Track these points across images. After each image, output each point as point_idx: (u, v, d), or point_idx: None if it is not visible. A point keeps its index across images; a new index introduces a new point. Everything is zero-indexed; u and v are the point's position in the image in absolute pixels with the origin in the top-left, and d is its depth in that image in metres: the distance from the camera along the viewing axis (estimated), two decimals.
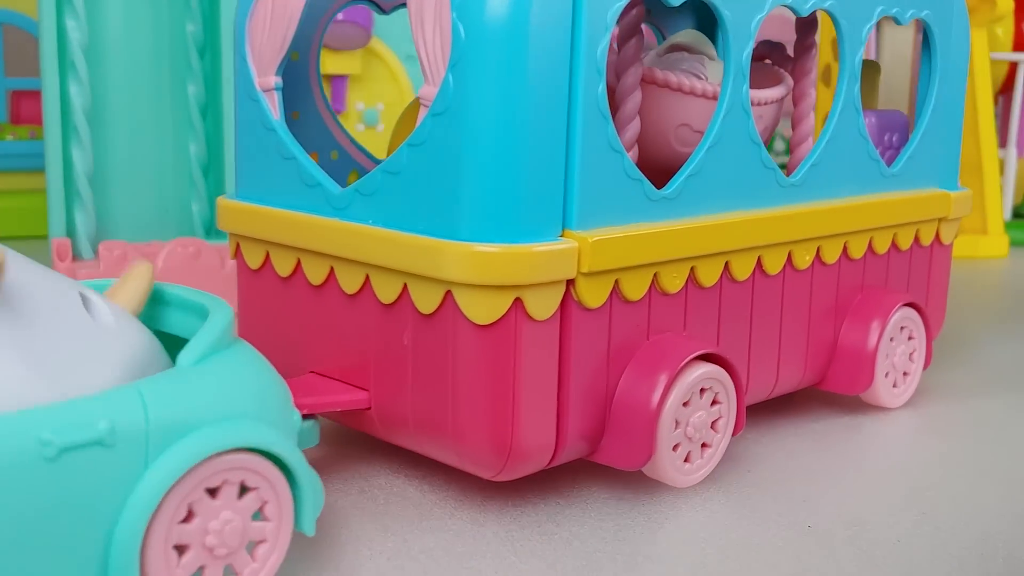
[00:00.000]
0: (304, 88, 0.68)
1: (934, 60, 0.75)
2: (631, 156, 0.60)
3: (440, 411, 0.53)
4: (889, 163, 0.74)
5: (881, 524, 0.57)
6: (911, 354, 0.75)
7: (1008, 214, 1.58)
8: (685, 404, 0.57)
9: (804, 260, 0.67)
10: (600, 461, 0.57)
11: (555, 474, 0.61)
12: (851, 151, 0.69)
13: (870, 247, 0.72)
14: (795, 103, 0.70)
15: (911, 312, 0.74)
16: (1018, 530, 0.57)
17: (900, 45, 2.16)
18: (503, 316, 0.51)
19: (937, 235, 0.78)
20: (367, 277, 0.55)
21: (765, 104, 0.67)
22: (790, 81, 0.70)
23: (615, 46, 0.64)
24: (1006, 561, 0.54)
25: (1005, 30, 1.68)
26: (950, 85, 0.76)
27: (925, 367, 0.76)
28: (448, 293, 0.51)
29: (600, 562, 0.52)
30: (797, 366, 0.69)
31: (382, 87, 1.26)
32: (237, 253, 0.64)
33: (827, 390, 0.73)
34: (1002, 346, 0.96)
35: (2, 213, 1.42)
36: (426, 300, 0.52)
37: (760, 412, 0.74)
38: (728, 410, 0.60)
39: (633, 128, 0.61)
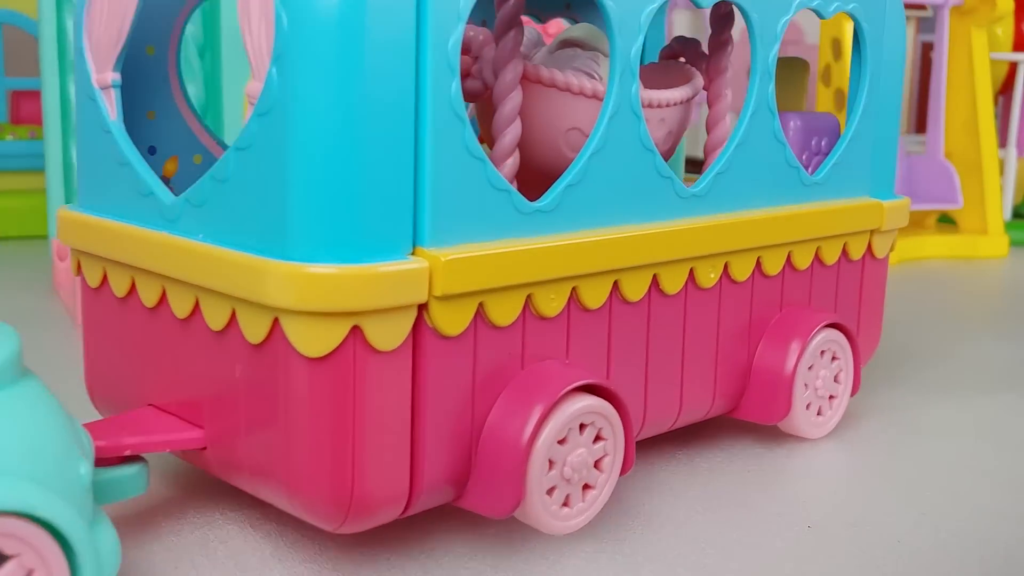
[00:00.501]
0: (161, 85, 0.62)
1: (864, 58, 0.69)
2: (510, 163, 0.54)
3: (273, 455, 0.47)
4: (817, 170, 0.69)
5: (881, 524, 0.57)
6: (836, 378, 0.69)
7: (1008, 214, 1.56)
8: (561, 441, 0.51)
9: (709, 278, 0.61)
10: (465, 507, 0.51)
11: None
12: (765, 158, 0.63)
13: (789, 262, 0.66)
14: (709, 105, 0.64)
15: (835, 333, 0.68)
16: (1018, 531, 0.57)
17: None
18: (338, 347, 0.45)
19: (869, 248, 0.72)
20: (196, 300, 0.49)
21: (666, 106, 0.60)
22: (699, 81, 0.64)
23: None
24: (1006, 562, 0.53)
25: (1005, 30, 1.67)
26: (883, 85, 0.70)
27: (854, 392, 0.70)
28: (276, 321, 0.45)
29: (600, 563, 0.52)
30: (704, 394, 0.63)
31: None
32: (79, 270, 0.58)
33: (742, 419, 0.67)
34: (1001, 346, 0.97)
35: (2, 213, 1.42)
36: (254, 328, 0.46)
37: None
38: (614, 447, 0.54)
39: (512, 132, 0.54)
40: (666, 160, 0.62)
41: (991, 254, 1.46)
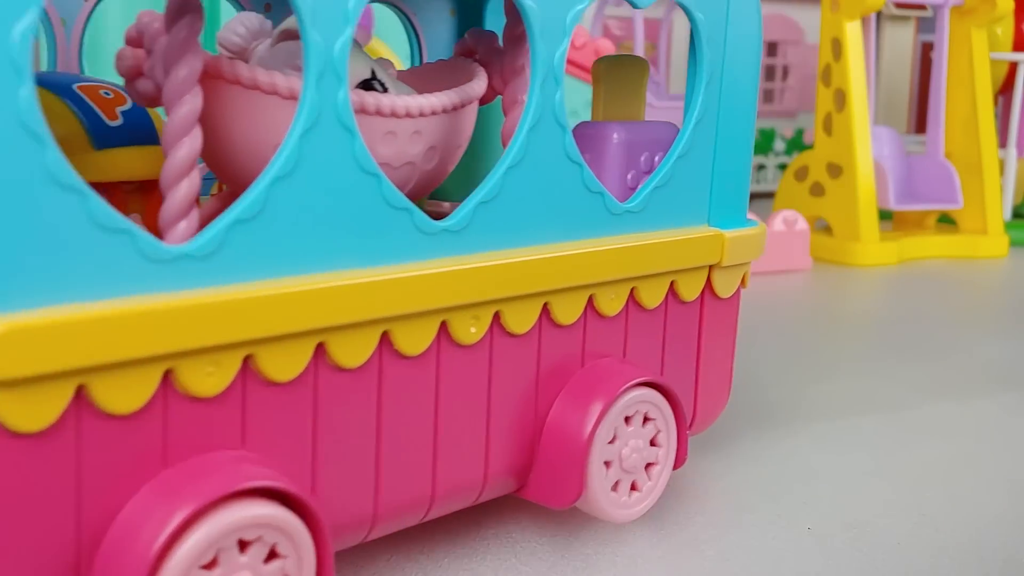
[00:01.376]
0: None
1: (698, 57, 0.56)
2: (184, 187, 0.42)
3: None
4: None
5: (881, 526, 0.57)
6: (655, 440, 0.55)
7: (1008, 214, 1.56)
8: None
9: (468, 332, 0.48)
10: None
11: None
12: (552, 182, 0.50)
13: (591, 308, 0.54)
14: (504, 112, 0.54)
15: (651, 393, 0.54)
16: (1017, 532, 0.57)
17: (900, 45, 2.12)
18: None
19: (708, 287, 0.60)
20: None
21: (417, 116, 0.48)
22: (477, 85, 0.52)
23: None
24: (1005, 563, 0.53)
25: (1005, 30, 1.67)
26: (728, 89, 0.58)
27: (677, 464, 0.56)
28: None
29: (600, 565, 0.52)
30: (470, 476, 0.50)
31: None
32: None
33: (530, 500, 0.54)
34: (1001, 346, 0.97)
35: None
36: None
37: (759, 411, 0.73)
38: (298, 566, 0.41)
39: (187, 147, 0.42)
40: (436, 183, 0.51)
41: (991, 254, 1.46)
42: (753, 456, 0.67)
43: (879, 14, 1.88)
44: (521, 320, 0.50)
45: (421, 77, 0.56)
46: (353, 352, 0.44)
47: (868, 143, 1.40)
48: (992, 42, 1.60)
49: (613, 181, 0.57)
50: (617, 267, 0.54)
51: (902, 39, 2.11)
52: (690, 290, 0.59)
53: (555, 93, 0.48)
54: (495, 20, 0.69)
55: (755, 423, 0.73)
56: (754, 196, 1.99)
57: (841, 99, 1.41)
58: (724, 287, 0.61)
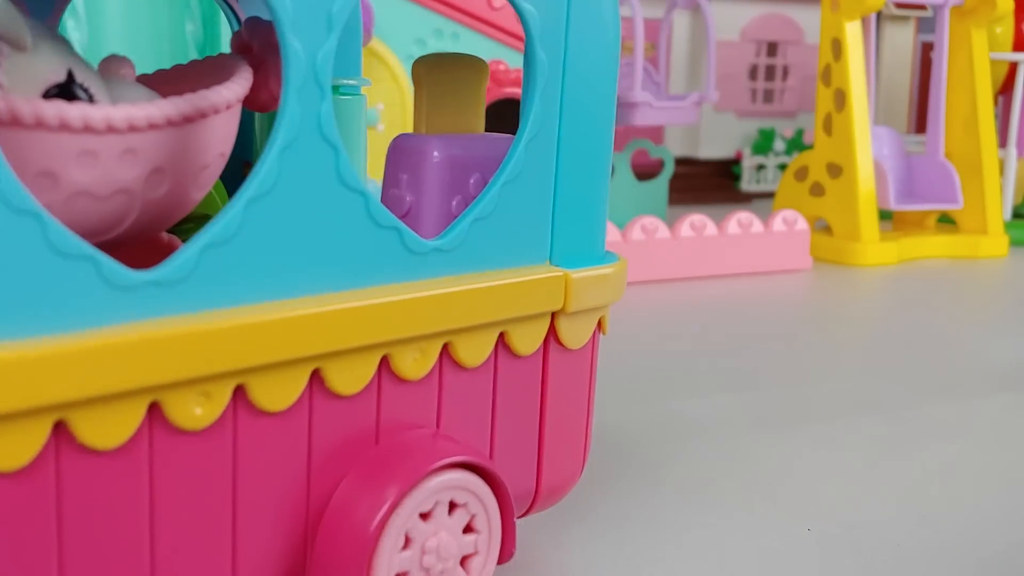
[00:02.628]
0: None
1: (533, 61, 0.46)
2: None
3: None
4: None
5: (881, 526, 0.57)
6: (471, 524, 0.45)
7: (1008, 214, 1.56)
8: None
9: (193, 415, 0.37)
10: None
11: None
12: (317, 216, 0.40)
13: (386, 371, 0.43)
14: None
15: (466, 477, 0.44)
16: (1018, 533, 0.57)
17: (900, 45, 2.12)
18: None
19: (552, 337, 0.50)
20: None
21: (126, 131, 0.37)
22: (221, 93, 0.41)
23: None
24: (1005, 564, 0.53)
25: (1005, 30, 1.66)
26: (572, 102, 0.48)
27: (503, 559, 0.47)
28: None
29: (601, 566, 0.52)
30: None
31: (382, 87, 1.23)
32: None
33: None
34: (1001, 346, 0.97)
35: None
36: None
37: (758, 412, 0.72)
38: None
39: None
40: (175, 215, 0.41)
41: (991, 254, 1.46)
42: (753, 456, 0.67)
43: (879, 14, 1.88)
44: (276, 394, 0.39)
45: (178, 79, 0.46)
46: (19, 449, 0.33)
47: (868, 143, 1.40)
48: (992, 42, 1.60)
49: (433, 209, 0.48)
50: (420, 320, 0.43)
51: (902, 39, 2.10)
52: (527, 343, 0.48)
53: (320, 103, 0.38)
54: None
55: (755, 423, 0.73)
56: (754, 196, 1.99)
57: (841, 99, 1.40)
58: (573, 337, 0.50)
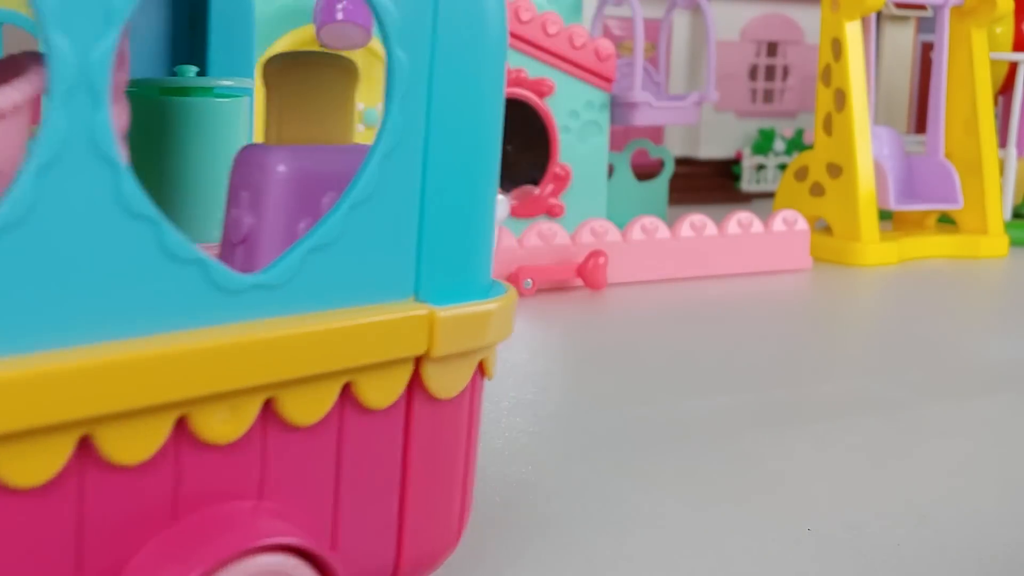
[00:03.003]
0: None
1: (390, 65, 0.39)
2: None
3: None
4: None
5: (881, 526, 0.57)
6: None
7: (1008, 214, 1.56)
8: None
9: None
10: None
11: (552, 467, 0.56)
12: (88, 248, 0.32)
13: (183, 435, 0.35)
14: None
15: (285, 561, 0.37)
16: (1018, 533, 0.57)
17: (900, 45, 2.12)
18: None
19: (417, 386, 0.42)
20: None
21: None
22: (19, 88, 0.36)
23: None
24: (1005, 565, 0.53)
25: (1005, 30, 1.67)
26: (443, 111, 0.41)
27: None
28: None
29: (599, 566, 0.52)
30: None
31: (382, 87, 1.23)
32: None
33: None
34: (1001, 346, 0.96)
35: None
36: None
37: (758, 412, 0.72)
38: None
39: None
40: None
41: (991, 254, 1.46)
42: (753, 456, 0.67)
43: (879, 14, 1.87)
44: (30, 467, 0.32)
45: None
46: None
47: (868, 143, 1.40)
48: (992, 42, 1.60)
49: (276, 234, 0.42)
50: (227, 372, 0.35)
51: (902, 39, 2.10)
52: (381, 394, 0.40)
53: (93, 113, 0.31)
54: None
55: (755, 423, 0.72)
56: (754, 196, 1.99)
57: (841, 99, 1.40)
58: (443, 385, 0.42)
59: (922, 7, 1.62)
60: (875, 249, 1.38)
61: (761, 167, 2.02)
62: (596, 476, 0.63)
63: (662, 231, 1.21)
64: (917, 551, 0.54)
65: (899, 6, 1.61)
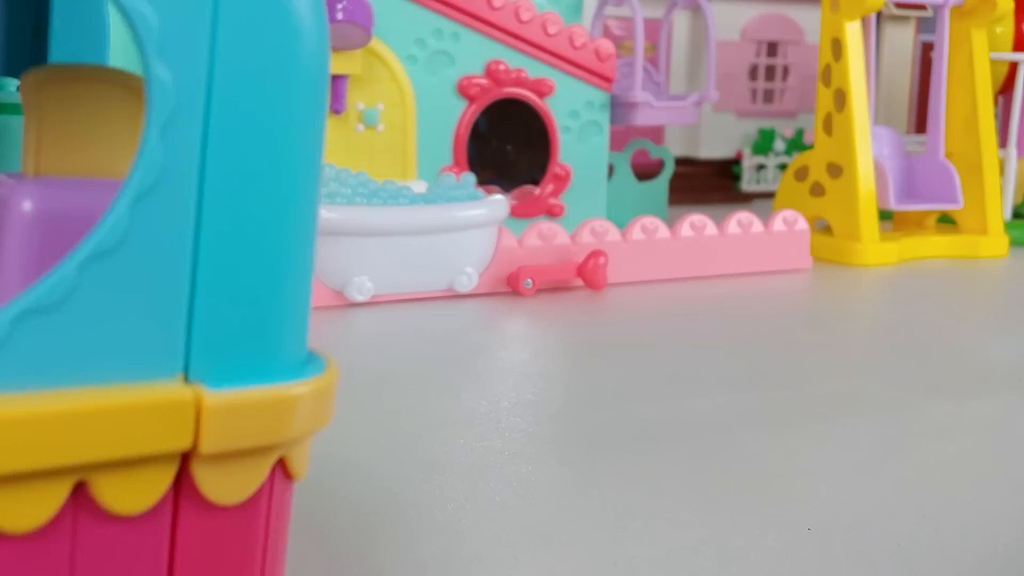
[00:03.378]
0: None
1: (151, 81, 0.31)
2: None
3: None
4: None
5: (881, 526, 0.57)
6: None
7: (1008, 214, 1.56)
8: None
9: None
10: None
11: (546, 466, 0.56)
12: None
13: None
14: None
15: None
16: (1018, 533, 0.57)
17: (900, 45, 2.12)
18: None
19: (185, 488, 0.33)
20: None
21: None
22: None
23: None
24: (1005, 565, 0.53)
25: (1005, 30, 1.67)
26: (225, 142, 0.32)
27: None
28: None
29: (599, 566, 0.51)
30: None
31: (382, 87, 1.23)
32: None
33: None
34: (1001, 346, 0.96)
35: None
36: None
37: (758, 412, 0.72)
38: None
39: None
40: None
41: (991, 254, 1.46)
42: (753, 456, 0.66)
43: (879, 14, 1.87)
44: None
45: None
46: None
47: (868, 143, 1.40)
48: (992, 42, 1.60)
49: (16, 285, 0.34)
50: None
51: (902, 39, 2.10)
52: (130, 498, 0.32)
53: None
54: None
55: (755, 423, 0.72)
56: (754, 196, 1.99)
57: (841, 99, 1.40)
58: (223, 488, 0.33)
59: (922, 7, 1.62)
60: (875, 249, 1.38)
61: (761, 167, 2.02)
62: (596, 476, 0.62)
63: (662, 231, 1.21)
64: (917, 551, 0.54)
65: (899, 6, 1.61)
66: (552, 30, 1.32)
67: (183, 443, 0.32)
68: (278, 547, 0.36)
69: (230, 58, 0.32)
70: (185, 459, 0.32)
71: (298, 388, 0.33)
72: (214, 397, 0.32)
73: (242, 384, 0.33)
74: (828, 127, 1.44)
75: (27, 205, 0.34)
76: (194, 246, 0.32)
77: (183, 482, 0.33)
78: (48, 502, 0.30)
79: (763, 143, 2.01)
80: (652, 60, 1.77)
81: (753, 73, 2.03)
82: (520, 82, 1.31)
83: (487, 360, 0.89)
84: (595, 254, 1.13)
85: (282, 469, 0.35)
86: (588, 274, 1.13)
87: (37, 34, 0.55)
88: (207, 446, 0.32)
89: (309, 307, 0.35)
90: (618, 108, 1.42)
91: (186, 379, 0.32)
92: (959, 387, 0.83)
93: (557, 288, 1.14)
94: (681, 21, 1.96)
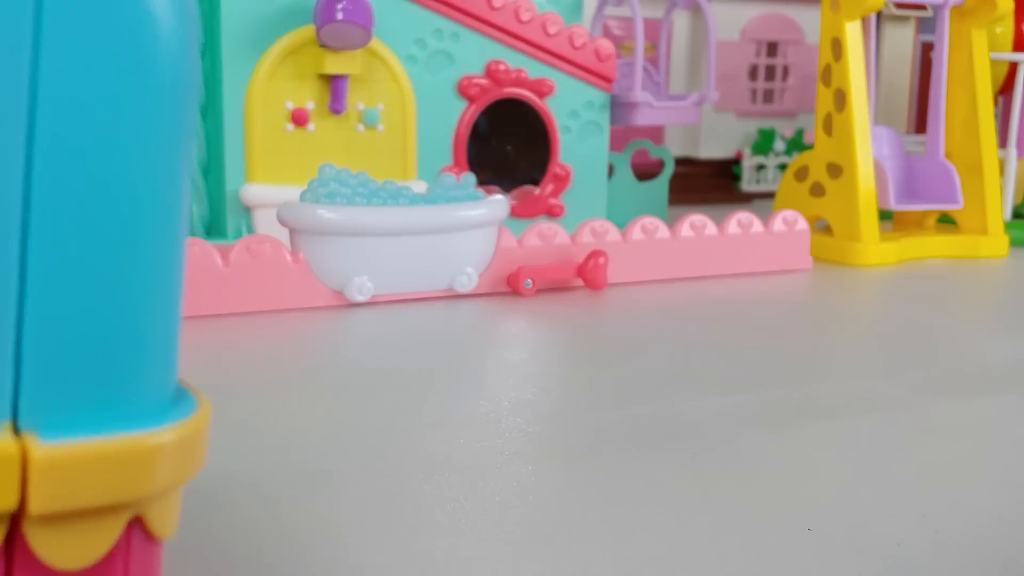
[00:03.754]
0: None
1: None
2: None
3: None
4: None
5: (881, 526, 0.57)
6: None
7: (1008, 214, 1.56)
8: None
9: None
10: None
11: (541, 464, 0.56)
12: None
13: None
14: None
15: None
16: (1017, 532, 0.57)
17: (900, 45, 2.12)
18: None
19: (22, 550, 0.28)
20: None
21: None
22: None
23: None
24: (1005, 563, 0.53)
25: (1005, 30, 1.66)
26: (61, 142, 0.27)
27: None
28: None
29: (599, 567, 0.51)
30: None
31: (382, 87, 1.23)
32: None
33: None
34: (1002, 346, 0.96)
35: None
36: None
37: (758, 412, 0.72)
38: None
39: None
40: None
41: (991, 254, 1.46)
42: (753, 456, 0.66)
43: (879, 14, 1.87)
44: None
45: None
46: None
47: (868, 143, 1.40)
48: (992, 42, 1.60)
49: None
50: None
51: (902, 39, 2.10)
52: None
53: None
54: None
55: (755, 423, 0.72)
56: (754, 196, 1.99)
57: (841, 99, 1.40)
58: (63, 551, 0.28)
59: (922, 7, 1.62)
60: (875, 249, 1.38)
61: (761, 167, 2.02)
62: (596, 476, 0.62)
63: (662, 231, 1.21)
64: (917, 551, 0.54)
65: (899, 6, 1.61)
66: (552, 30, 1.32)
67: (6, 503, 0.27)
68: None
69: (58, 43, 0.27)
70: (16, 519, 0.28)
71: (156, 436, 0.28)
72: (45, 450, 0.27)
73: (84, 433, 0.27)
74: (828, 127, 1.44)
75: None
76: (20, 271, 0.27)
77: (15, 545, 0.28)
78: None
79: (763, 143, 2.01)
80: (652, 60, 1.77)
81: (753, 73, 2.03)
82: (520, 82, 1.31)
83: (487, 360, 0.89)
84: (595, 254, 1.13)
85: (140, 528, 0.30)
86: (588, 274, 1.13)
87: None
88: (37, 506, 0.27)
89: (176, 338, 0.30)
90: (618, 108, 1.42)
91: (15, 429, 0.27)
92: (959, 387, 0.83)
93: (557, 288, 1.14)
94: (681, 21, 1.96)
